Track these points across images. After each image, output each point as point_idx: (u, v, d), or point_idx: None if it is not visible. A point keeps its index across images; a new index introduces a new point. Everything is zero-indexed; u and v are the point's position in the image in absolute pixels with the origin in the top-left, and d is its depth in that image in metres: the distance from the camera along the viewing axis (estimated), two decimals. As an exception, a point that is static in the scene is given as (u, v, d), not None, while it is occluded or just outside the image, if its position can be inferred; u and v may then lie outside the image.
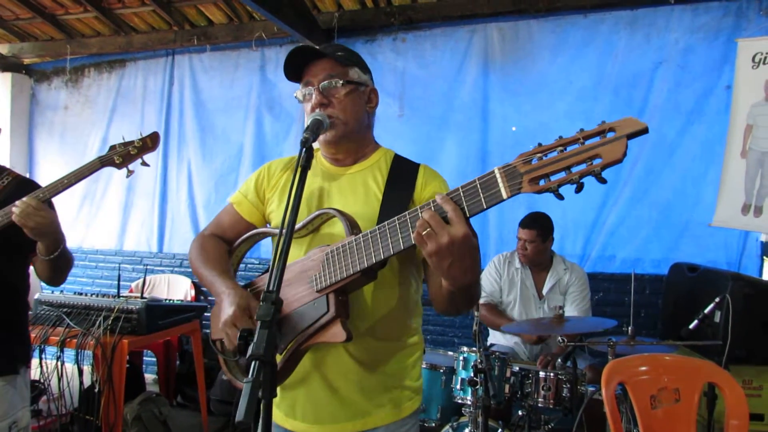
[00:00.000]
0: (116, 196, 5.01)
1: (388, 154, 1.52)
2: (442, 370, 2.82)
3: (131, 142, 1.86)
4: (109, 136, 5.03)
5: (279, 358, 1.24)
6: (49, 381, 3.22)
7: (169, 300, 3.29)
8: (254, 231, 1.50)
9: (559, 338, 2.64)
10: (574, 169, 0.96)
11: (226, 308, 1.30)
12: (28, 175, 5.16)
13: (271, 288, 1.05)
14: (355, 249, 1.20)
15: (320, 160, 1.51)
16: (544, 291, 3.20)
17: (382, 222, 1.19)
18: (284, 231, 1.12)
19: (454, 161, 3.96)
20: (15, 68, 5.27)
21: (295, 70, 1.43)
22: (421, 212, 1.08)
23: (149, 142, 1.87)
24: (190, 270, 4.17)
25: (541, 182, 0.99)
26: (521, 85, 3.86)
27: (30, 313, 2.99)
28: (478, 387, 2.41)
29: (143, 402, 3.12)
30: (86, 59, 5.15)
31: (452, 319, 4.00)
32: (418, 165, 1.48)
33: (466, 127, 3.97)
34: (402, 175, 1.44)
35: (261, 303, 1.02)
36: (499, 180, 1.02)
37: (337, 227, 1.36)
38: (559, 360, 2.77)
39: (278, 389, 1.37)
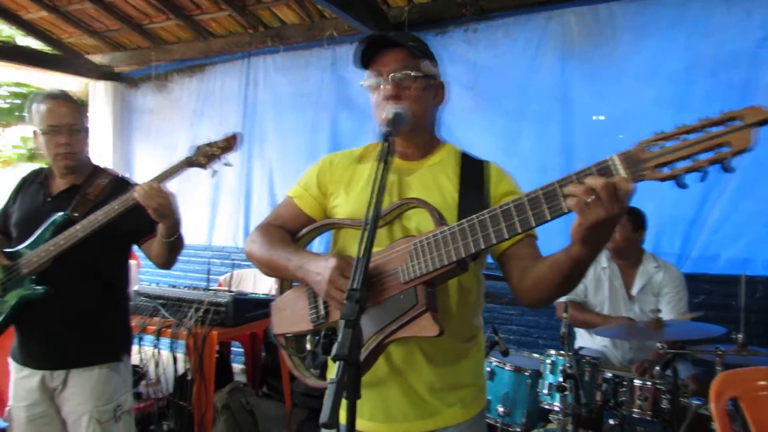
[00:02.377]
0: (205, 194, 5.23)
1: (454, 150, 1.50)
2: (527, 374, 2.69)
3: (215, 143, 1.93)
4: (194, 136, 5.25)
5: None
6: (148, 367, 3.43)
7: (255, 294, 3.40)
8: (323, 222, 1.47)
9: (658, 344, 2.48)
10: (701, 157, 0.95)
11: (322, 265, 1.25)
12: (128, 174, 5.53)
13: (355, 286, 1.03)
14: (449, 239, 1.18)
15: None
16: (634, 291, 2.99)
17: (462, 216, 1.17)
18: (368, 226, 1.10)
19: (533, 153, 3.81)
20: (109, 76, 5.61)
21: (366, 58, 1.41)
22: (581, 180, 1.04)
23: (231, 143, 1.95)
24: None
25: (665, 169, 0.98)
26: (604, 71, 3.65)
27: (130, 303, 3.22)
28: (567, 393, 2.32)
29: (232, 391, 3.25)
30: (170, 65, 5.40)
31: (536, 319, 3.88)
32: (485, 162, 1.46)
33: (544, 117, 3.82)
34: (473, 172, 1.42)
35: (345, 301, 1.02)
36: (619, 166, 1.01)
37: (415, 219, 1.34)
38: (657, 368, 2.54)
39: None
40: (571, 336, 2.98)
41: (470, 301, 1.42)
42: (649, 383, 2.43)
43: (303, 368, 1.41)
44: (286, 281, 1.52)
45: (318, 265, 1.28)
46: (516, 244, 1.35)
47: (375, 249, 1.30)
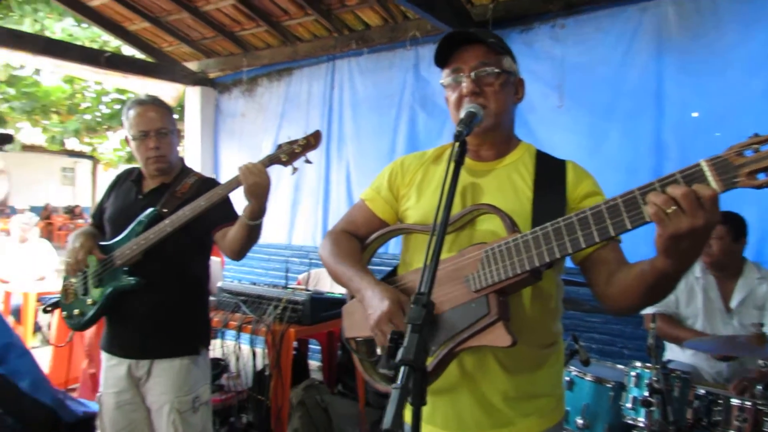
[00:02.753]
0: (286, 194, 5.35)
1: (530, 150, 1.43)
2: (610, 385, 2.54)
3: (296, 141, 1.94)
4: (279, 138, 5.39)
5: (429, 360, 1.19)
6: (229, 360, 3.54)
7: (332, 293, 3.43)
8: (393, 227, 1.44)
9: (760, 361, 2.25)
10: None
11: (376, 304, 1.25)
12: (214, 176, 5.79)
13: (422, 290, 0.99)
14: (521, 247, 1.12)
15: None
16: (733, 303, 2.72)
17: (536, 221, 1.12)
18: (437, 230, 1.06)
19: (621, 152, 3.59)
20: (203, 82, 5.88)
21: (445, 56, 1.37)
22: (663, 189, 0.96)
23: (312, 141, 1.95)
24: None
25: (762, 176, 0.89)
26: (704, 64, 3.36)
27: (214, 299, 3.34)
28: (653, 408, 2.16)
29: (307, 388, 3.29)
30: (259, 70, 5.58)
31: (621, 328, 3.65)
32: (563, 161, 1.37)
33: (635, 114, 3.59)
34: (550, 172, 1.35)
35: (411, 305, 0.98)
36: (708, 173, 0.92)
37: (487, 224, 1.29)
38: (759, 387, 2.32)
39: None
40: (660, 348, 2.76)
41: (548, 307, 1.34)
42: (749, 403, 2.21)
43: (372, 372, 1.39)
44: None
45: (373, 301, 1.27)
46: (599, 249, 1.27)
47: (446, 255, 1.27)
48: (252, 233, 1.98)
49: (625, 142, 3.61)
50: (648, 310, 2.57)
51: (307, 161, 1.98)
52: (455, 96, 1.35)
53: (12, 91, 9.19)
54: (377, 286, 1.30)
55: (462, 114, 1.26)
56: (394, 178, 1.49)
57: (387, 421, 0.85)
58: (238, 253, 2.04)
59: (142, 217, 2.04)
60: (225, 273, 4.60)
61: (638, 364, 2.44)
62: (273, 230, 5.44)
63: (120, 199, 2.21)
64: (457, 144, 1.16)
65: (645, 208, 0.97)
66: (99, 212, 2.28)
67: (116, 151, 11.71)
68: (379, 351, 1.36)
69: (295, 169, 1.97)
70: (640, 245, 1.20)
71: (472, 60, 1.33)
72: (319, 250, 1.51)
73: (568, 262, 1.36)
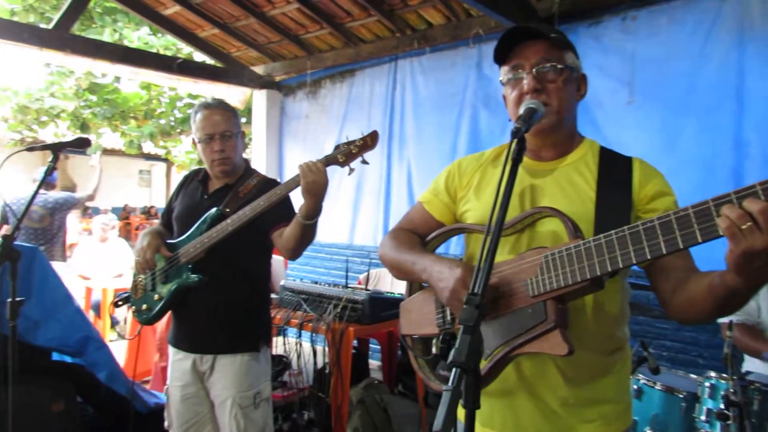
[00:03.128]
0: (347, 194, 5.41)
1: (593, 147, 1.36)
2: (681, 396, 2.40)
3: (353, 142, 1.95)
4: (341, 139, 5.44)
5: (483, 363, 1.16)
6: (291, 358, 3.61)
7: (391, 293, 3.42)
8: (452, 226, 1.43)
9: None
10: None
11: (447, 274, 1.22)
12: (279, 177, 5.93)
13: (475, 290, 0.98)
14: (583, 254, 1.08)
15: None
16: None
17: (599, 224, 1.09)
18: (491, 231, 1.04)
19: (697, 150, 3.39)
20: (269, 85, 6.04)
21: (505, 53, 1.34)
22: (740, 202, 0.89)
23: (369, 141, 1.95)
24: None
25: None
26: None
27: (276, 297, 3.41)
28: (729, 423, 2.02)
29: (367, 387, 3.31)
30: (322, 72, 5.67)
31: (695, 335, 3.45)
32: (630, 158, 1.30)
33: (713, 110, 3.38)
34: (614, 171, 1.28)
35: (464, 306, 0.96)
36: None
37: (548, 227, 1.25)
38: None
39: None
40: (737, 357, 2.60)
41: (612, 312, 1.29)
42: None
43: (428, 370, 1.38)
44: (415, 282, 1.51)
45: (443, 272, 1.25)
46: (668, 255, 1.19)
47: (505, 257, 1.24)
48: (306, 232, 2.00)
49: (702, 139, 3.41)
50: (725, 319, 2.41)
51: (364, 162, 1.98)
52: (515, 93, 1.32)
53: (94, 98, 9.77)
54: (444, 259, 1.29)
55: (521, 110, 1.22)
56: (451, 181, 1.48)
57: (438, 422, 0.84)
58: (293, 251, 2.06)
59: (205, 216, 2.11)
60: (287, 272, 4.69)
61: (713, 374, 2.31)
62: (334, 230, 5.51)
63: (187, 198, 2.29)
64: (514, 141, 1.13)
65: (718, 220, 0.90)
66: (168, 211, 2.37)
67: (188, 153, 12.23)
68: (434, 349, 1.36)
69: (351, 170, 1.97)
70: (717, 249, 1.12)
71: (533, 56, 1.30)
72: (379, 249, 1.51)
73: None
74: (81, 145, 2.08)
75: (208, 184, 2.28)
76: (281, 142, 6.16)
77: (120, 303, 2.40)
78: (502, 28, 4.18)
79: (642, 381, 2.51)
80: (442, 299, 1.23)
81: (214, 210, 2.11)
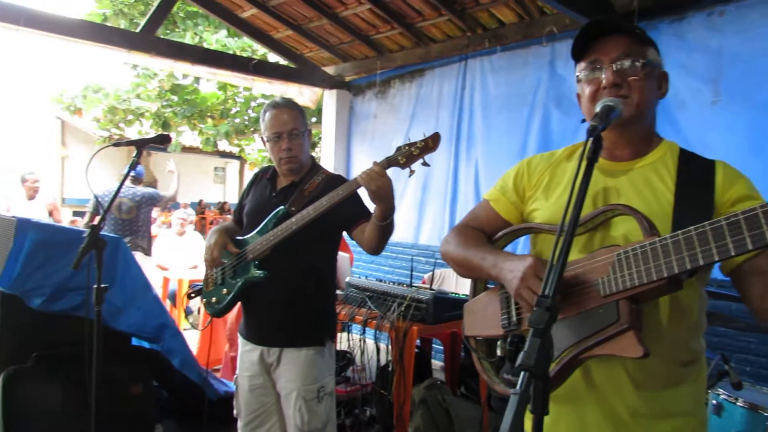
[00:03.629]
0: (413, 194, 5.41)
1: (672, 148, 1.30)
2: (767, 414, 2.26)
3: (414, 143, 1.92)
4: (408, 139, 5.44)
5: (551, 365, 1.12)
6: (355, 354, 3.64)
7: (456, 294, 3.39)
8: (521, 225, 1.40)
9: None
10: None
11: (517, 265, 1.19)
12: (346, 175, 6.00)
13: (546, 292, 0.94)
14: (659, 252, 1.03)
15: None
16: None
17: (678, 226, 1.01)
18: (564, 230, 1.00)
19: (788, 153, 3.17)
20: (339, 85, 6.13)
21: (582, 48, 1.30)
22: None
23: (430, 143, 1.92)
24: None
25: None
26: None
27: (341, 293, 3.45)
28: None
29: (429, 387, 3.29)
30: (392, 72, 5.69)
31: (783, 349, 3.21)
32: (712, 161, 1.23)
33: (807, 110, 3.15)
34: (695, 173, 1.22)
35: (534, 308, 0.93)
36: None
37: (621, 227, 1.20)
38: None
39: None
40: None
41: (688, 321, 1.22)
42: None
43: (492, 373, 1.35)
44: (479, 283, 1.48)
45: (513, 263, 1.22)
46: (754, 258, 1.12)
47: (576, 257, 1.20)
48: (385, 231, 2.04)
49: (795, 141, 3.17)
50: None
51: (425, 164, 1.94)
52: (590, 89, 1.28)
53: (175, 98, 10.26)
54: (515, 255, 1.27)
55: (598, 108, 1.18)
56: (519, 179, 1.45)
57: (504, 427, 0.82)
58: (375, 249, 2.11)
59: (272, 214, 2.16)
60: (353, 269, 4.74)
61: (803, 392, 2.13)
62: (399, 229, 5.50)
63: (256, 196, 2.35)
64: (590, 140, 1.08)
65: None
66: (240, 207, 2.44)
67: (261, 152, 12.62)
68: (499, 352, 1.33)
69: (412, 172, 1.94)
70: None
71: (613, 51, 1.25)
72: (442, 246, 1.49)
73: (717, 273, 1.22)
74: (162, 141, 2.17)
75: (276, 181, 2.32)
76: (350, 141, 6.24)
77: (193, 295, 2.49)
78: (576, 26, 4.04)
79: (722, 396, 2.36)
80: (511, 290, 1.20)
81: (280, 208, 2.16)
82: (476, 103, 4.92)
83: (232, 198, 22.16)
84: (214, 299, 2.29)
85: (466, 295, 3.29)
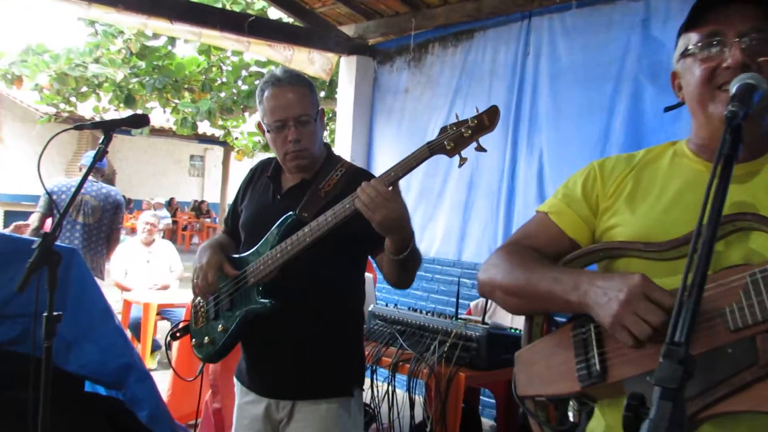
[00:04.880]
0: (456, 195, 5.40)
1: None
2: None
3: (464, 122, 1.88)
4: (456, 117, 5.41)
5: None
6: (380, 408, 3.61)
7: (516, 329, 3.35)
8: (603, 245, 1.38)
9: None
10: None
11: (617, 284, 1.18)
12: (365, 167, 5.98)
13: (677, 338, 0.91)
14: None
15: (685, 153, 1.39)
16: None
17: None
18: (699, 249, 0.97)
19: None
20: (360, 50, 6.15)
21: (697, 16, 1.32)
22: None
23: (486, 120, 1.87)
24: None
25: None
26: None
27: (364, 326, 3.43)
28: None
29: (479, 455, 3.25)
30: (431, 33, 5.69)
31: None
32: None
33: None
34: None
35: (661, 359, 0.90)
36: None
37: (750, 243, 1.21)
38: None
39: None
40: None
41: None
42: None
43: None
44: (536, 324, 1.47)
45: (607, 281, 1.21)
46: None
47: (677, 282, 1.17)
48: (404, 266, 2.01)
49: None
50: None
51: (480, 149, 1.90)
52: (704, 69, 1.30)
53: (142, 64, 10.34)
54: (604, 273, 1.26)
55: (733, 88, 1.17)
56: (591, 187, 1.47)
57: None
58: (399, 285, 2.11)
59: (278, 224, 2.12)
60: (377, 293, 4.72)
61: None
62: (438, 242, 5.49)
63: (256, 199, 2.34)
64: (728, 131, 1.07)
65: None
66: (233, 215, 2.43)
67: (252, 136, 12.67)
68: (571, 416, 1.32)
69: (463, 160, 1.89)
70: None
71: (742, 23, 1.27)
72: (483, 272, 1.50)
73: None
74: (138, 124, 2.17)
75: (281, 179, 2.30)
76: (372, 122, 6.24)
77: (178, 335, 2.48)
78: (681, -26, 3.99)
79: None
80: (606, 317, 1.17)
81: (287, 216, 2.12)
82: (542, 76, 4.88)
83: (212, 196, 22.36)
84: (206, 339, 2.28)
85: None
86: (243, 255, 2.22)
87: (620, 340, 1.17)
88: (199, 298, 2.34)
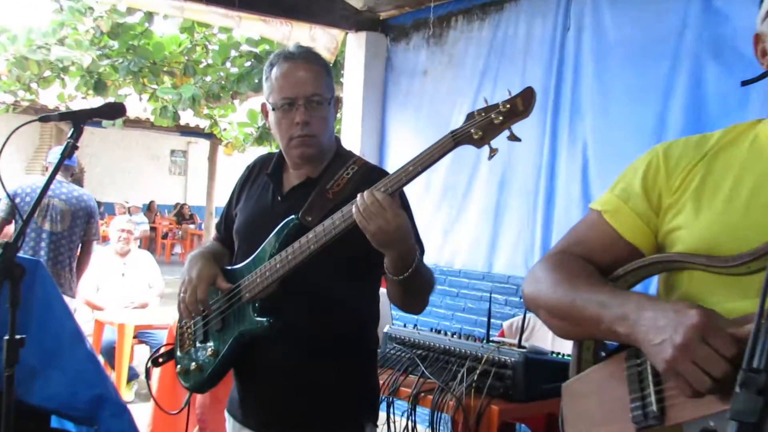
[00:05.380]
0: (484, 194, 5.41)
1: None
2: None
3: (494, 107, 1.88)
4: (485, 102, 5.40)
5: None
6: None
7: (558, 354, 3.34)
8: (661, 257, 1.38)
9: None
10: None
11: (672, 319, 1.17)
12: (378, 161, 5.98)
13: (756, 364, 0.92)
14: None
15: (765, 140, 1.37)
16: None
17: None
18: None
19: None
20: (370, 26, 6.17)
21: None
22: None
23: (520, 104, 1.86)
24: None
25: None
26: None
27: (378, 350, 3.43)
28: None
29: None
30: (453, 5, 5.71)
31: None
32: None
33: None
34: None
35: (737, 390, 0.92)
36: None
37: None
38: None
39: None
40: None
41: None
42: None
43: None
44: (585, 348, 1.47)
45: (659, 314, 1.20)
46: None
47: (739, 304, 1.22)
48: (408, 287, 2.02)
49: None
50: None
51: (513, 138, 1.88)
52: None
53: (115, 44, 10.38)
54: (659, 300, 1.25)
55: None
56: (653, 178, 1.45)
57: None
58: (406, 308, 2.16)
59: (278, 229, 2.14)
60: (393, 312, 4.72)
61: None
62: (464, 250, 5.48)
63: (252, 201, 2.36)
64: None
65: None
66: (226, 220, 2.45)
67: (243, 127, 12.65)
68: None
69: (493, 151, 1.88)
70: None
71: None
72: (527, 284, 1.52)
73: None
74: (113, 114, 2.18)
75: (283, 178, 2.32)
76: (385, 110, 6.26)
77: (161, 360, 2.49)
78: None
79: None
80: (659, 360, 1.17)
81: (290, 220, 2.13)
82: (586, 53, 4.88)
83: (197, 198, 22.41)
84: (193, 365, 2.29)
85: (571, 356, 3.24)
86: (237, 266, 2.24)
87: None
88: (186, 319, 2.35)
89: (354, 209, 1.88)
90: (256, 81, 9.40)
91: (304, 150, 2.20)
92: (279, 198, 2.28)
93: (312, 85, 2.18)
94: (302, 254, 2.04)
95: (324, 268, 2.09)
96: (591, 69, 4.86)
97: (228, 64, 10.76)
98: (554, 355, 3.26)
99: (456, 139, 1.89)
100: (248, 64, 10.13)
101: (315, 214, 2.11)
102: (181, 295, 2.24)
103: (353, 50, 6.26)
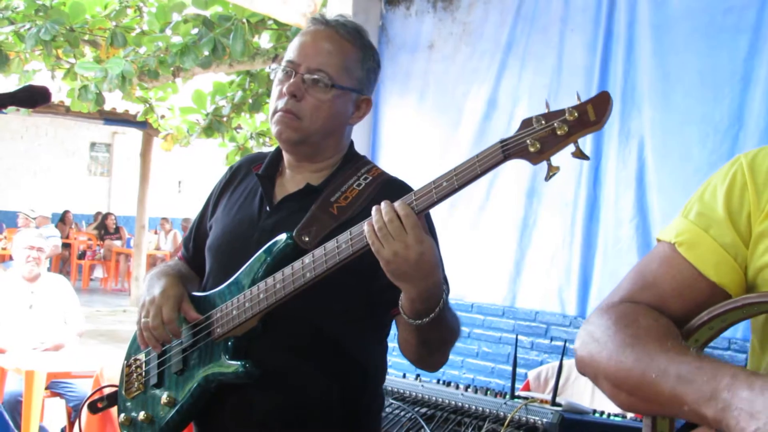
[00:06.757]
0: (507, 206, 5.45)
1: None
2: None
3: (559, 113, 1.87)
4: (499, 96, 5.46)
5: None
6: None
7: (600, 413, 3.38)
8: (756, 298, 1.36)
9: None
10: None
11: (763, 415, 1.14)
12: (368, 155, 5.98)
13: None
14: None
15: None
16: None
17: None
18: None
19: None
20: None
21: None
22: None
23: (591, 113, 1.84)
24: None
25: None
26: None
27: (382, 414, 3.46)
28: None
29: None
30: (467, -38, 5.74)
31: None
32: None
33: None
34: None
35: None
36: None
37: None
38: None
39: None
40: None
41: None
42: None
43: None
44: (662, 422, 1.46)
45: (757, 398, 1.17)
46: None
47: None
48: (426, 338, 2.04)
49: None
50: None
51: (579, 154, 1.86)
52: None
53: (21, 5, 10.34)
54: (759, 376, 1.22)
55: None
56: (738, 199, 1.45)
57: None
58: (422, 363, 2.20)
59: (264, 250, 2.16)
60: (390, 357, 4.76)
61: None
62: (481, 280, 5.49)
63: (234, 210, 2.39)
64: None
65: None
66: (197, 234, 2.50)
67: (187, 113, 12.53)
68: None
69: (553, 170, 1.87)
70: None
71: None
72: (580, 343, 1.50)
73: None
74: (33, 101, 2.21)
75: (276, 183, 2.36)
76: (378, 94, 6.23)
77: (101, 405, 2.52)
78: None
79: None
80: None
81: (280, 239, 2.15)
82: (641, 26, 4.93)
83: (124, 205, 22.32)
84: (142, 414, 2.32)
85: (622, 417, 3.29)
86: (208, 293, 2.27)
87: None
88: (136, 353, 2.39)
89: (366, 226, 1.87)
90: (206, 54, 9.30)
91: (282, 129, 2.24)
92: (268, 208, 2.30)
93: (323, 57, 2.24)
94: (294, 283, 2.05)
95: (320, 302, 2.11)
96: (648, 46, 4.89)
97: (169, 32, 10.69)
98: (596, 414, 3.31)
99: (506, 151, 1.86)
100: (195, 31, 9.97)
101: (314, 233, 2.13)
102: (143, 320, 2.23)
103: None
